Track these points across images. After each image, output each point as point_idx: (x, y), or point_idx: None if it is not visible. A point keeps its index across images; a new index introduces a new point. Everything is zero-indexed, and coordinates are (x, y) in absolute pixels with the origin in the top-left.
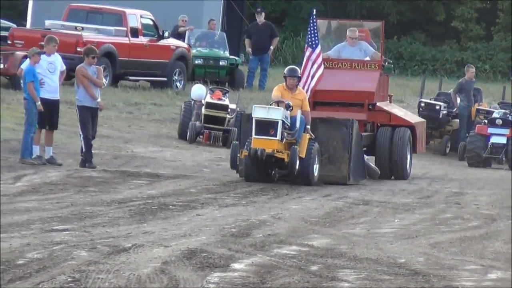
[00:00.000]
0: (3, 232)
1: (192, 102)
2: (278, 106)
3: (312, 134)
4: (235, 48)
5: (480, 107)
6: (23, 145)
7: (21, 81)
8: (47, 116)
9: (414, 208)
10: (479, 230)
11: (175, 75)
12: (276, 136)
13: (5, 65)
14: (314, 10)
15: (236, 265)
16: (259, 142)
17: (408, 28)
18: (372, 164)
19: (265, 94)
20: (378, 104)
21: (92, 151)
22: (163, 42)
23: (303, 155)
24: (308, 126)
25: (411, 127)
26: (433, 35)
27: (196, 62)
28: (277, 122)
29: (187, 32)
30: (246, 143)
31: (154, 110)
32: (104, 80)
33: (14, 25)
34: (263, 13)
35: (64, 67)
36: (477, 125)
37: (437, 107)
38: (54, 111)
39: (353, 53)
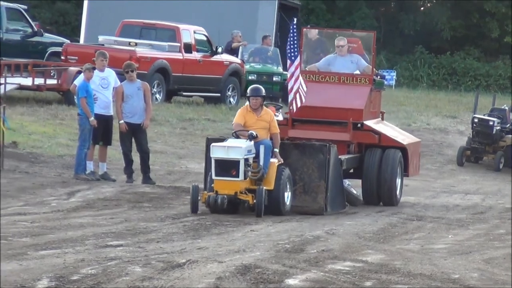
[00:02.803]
0: (57, 247)
1: None
2: (239, 137)
3: (281, 159)
4: None
5: None
6: (77, 161)
7: (75, 97)
8: (100, 131)
9: (468, 223)
10: None
11: (228, 90)
12: (238, 177)
13: (58, 80)
14: (295, 20)
15: (290, 281)
16: (220, 184)
17: (462, 43)
18: (354, 190)
19: None
20: (366, 123)
21: (149, 167)
22: (216, 57)
23: (271, 187)
24: (277, 149)
25: (402, 148)
26: (487, 51)
27: (250, 77)
28: (238, 162)
29: (240, 47)
30: (208, 180)
31: (207, 125)
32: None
33: (68, 41)
34: (313, 30)
35: (119, 83)
36: None
37: (491, 123)
38: (108, 127)
39: (343, 65)
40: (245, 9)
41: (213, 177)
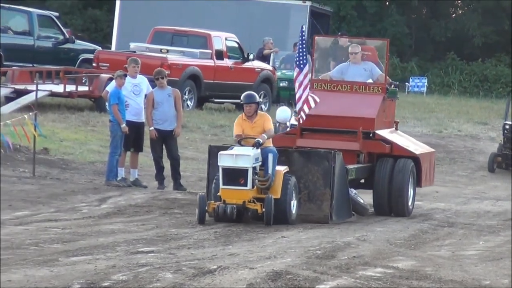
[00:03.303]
0: (88, 254)
1: (277, 125)
2: (243, 145)
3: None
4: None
5: None
6: (108, 167)
7: (106, 104)
8: (132, 138)
9: (499, 230)
10: None
11: (260, 97)
12: (246, 186)
13: (90, 87)
14: (303, 26)
15: (321, 287)
16: (228, 193)
17: (493, 50)
18: (361, 199)
19: None
20: (378, 132)
21: (180, 174)
22: (248, 64)
23: (277, 196)
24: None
25: (415, 158)
26: None
27: (281, 84)
28: (247, 170)
29: (272, 54)
30: (213, 188)
31: None
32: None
33: (99, 48)
34: (343, 36)
35: (151, 90)
36: None
37: None
38: (139, 134)
39: (357, 73)
40: (276, 16)
41: (221, 186)
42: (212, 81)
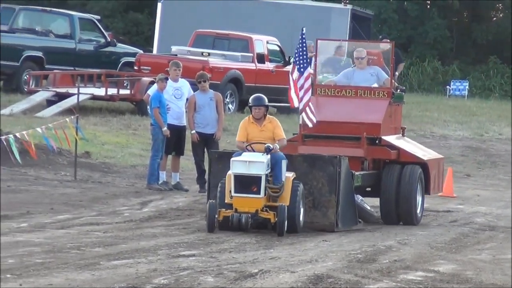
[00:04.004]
0: (129, 257)
1: None
2: (254, 150)
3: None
4: None
5: None
6: (149, 171)
7: (148, 107)
8: (173, 142)
9: None
10: None
11: None
12: (259, 194)
13: (131, 90)
14: (304, 29)
15: None
16: (240, 202)
17: None
18: (367, 206)
19: None
20: (384, 138)
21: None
22: (289, 67)
23: (287, 203)
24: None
25: (423, 164)
26: None
27: None
28: (260, 178)
29: (313, 58)
30: (218, 196)
31: None
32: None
33: (141, 51)
34: (384, 40)
35: (192, 93)
36: None
37: None
38: (180, 137)
39: (363, 78)
40: (317, 19)
41: (233, 193)
42: (253, 85)
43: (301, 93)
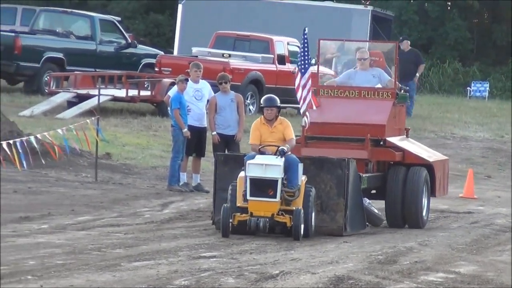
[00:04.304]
0: (150, 259)
1: None
2: (263, 152)
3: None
4: None
5: None
6: (170, 172)
7: (168, 108)
8: (194, 143)
9: None
10: None
11: None
12: (275, 197)
13: (152, 92)
14: (306, 29)
15: None
16: (256, 205)
17: None
18: (375, 209)
19: (411, 122)
20: (389, 139)
21: None
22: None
23: (300, 206)
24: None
25: (428, 166)
26: None
27: None
28: (277, 181)
29: (334, 59)
30: (228, 203)
31: None
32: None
33: (162, 52)
34: (405, 41)
35: (213, 94)
36: None
37: None
38: (201, 138)
39: (365, 79)
40: (338, 21)
41: (248, 197)
42: (274, 86)
43: (304, 93)
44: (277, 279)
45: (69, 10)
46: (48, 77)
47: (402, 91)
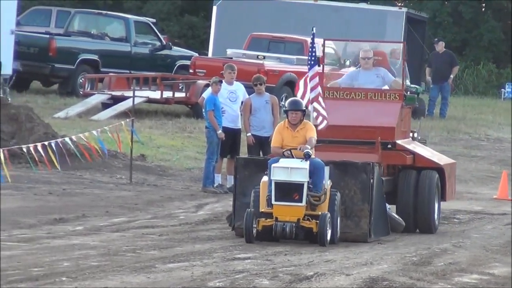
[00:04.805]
0: (185, 260)
1: None
2: (293, 156)
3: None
4: (416, 77)
5: None
6: (205, 174)
7: (203, 110)
8: (228, 144)
9: None
10: None
11: None
12: (301, 202)
13: (187, 93)
14: (314, 29)
15: None
16: (281, 210)
17: None
18: (395, 215)
19: (446, 123)
20: (398, 142)
21: None
22: (344, 70)
23: (325, 210)
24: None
25: (439, 169)
26: None
27: None
28: (303, 185)
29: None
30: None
31: None
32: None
33: (196, 54)
34: (439, 42)
35: (247, 96)
36: None
37: None
38: (236, 140)
39: (368, 79)
40: (373, 22)
41: (273, 201)
42: None
43: (312, 95)
44: (311, 281)
45: (104, 12)
46: (82, 79)
47: (409, 92)
